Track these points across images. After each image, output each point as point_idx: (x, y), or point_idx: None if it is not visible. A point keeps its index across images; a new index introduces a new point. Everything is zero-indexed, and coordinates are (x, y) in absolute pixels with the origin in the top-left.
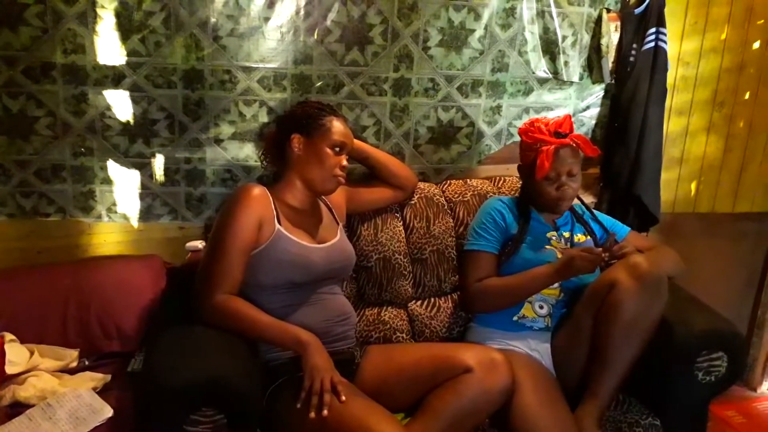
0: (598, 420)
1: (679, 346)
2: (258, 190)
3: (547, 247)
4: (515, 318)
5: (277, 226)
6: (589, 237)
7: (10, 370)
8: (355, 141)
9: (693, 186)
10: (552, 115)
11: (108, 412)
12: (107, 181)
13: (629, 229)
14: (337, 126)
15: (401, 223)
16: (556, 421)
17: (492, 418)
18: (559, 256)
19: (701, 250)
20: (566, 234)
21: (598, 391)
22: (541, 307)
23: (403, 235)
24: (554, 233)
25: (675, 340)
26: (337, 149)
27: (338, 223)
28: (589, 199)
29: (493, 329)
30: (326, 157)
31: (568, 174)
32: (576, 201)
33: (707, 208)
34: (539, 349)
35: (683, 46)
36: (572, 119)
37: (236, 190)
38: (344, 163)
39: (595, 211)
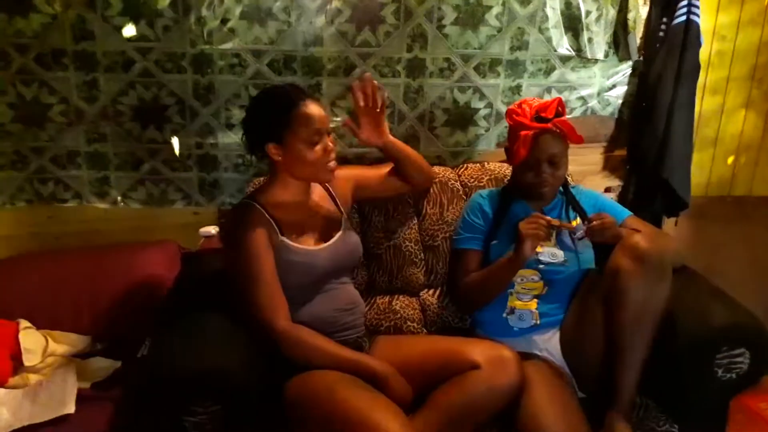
0: (627, 416)
1: (697, 342)
2: (252, 212)
3: None
4: (504, 315)
5: (280, 237)
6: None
7: (28, 361)
8: (389, 136)
9: (729, 167)
10: (575, 95)
11: (69, 409)
12: (121, 167)
13: (629, 213)
14: (302, 118)
15: (413, 209)
16: (566, 421)
17: (500, 416)
18: (541, 247)
19: (736, 237)
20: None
21: (621, 386)
22: (527, 297)
23: (415, 222)
24: None
25: (693, 334)
26: (315, 139)
27: (342, 213)
28: (615, 183)
29: (497, 337)
30: (306, 155)
31: (549, 161)
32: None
33: (744, 191)
34: (548, 347)
35: (719, 19)
36: (563, 102)
37: (232, 218)
38: (329, 146)
39: (593, 193)
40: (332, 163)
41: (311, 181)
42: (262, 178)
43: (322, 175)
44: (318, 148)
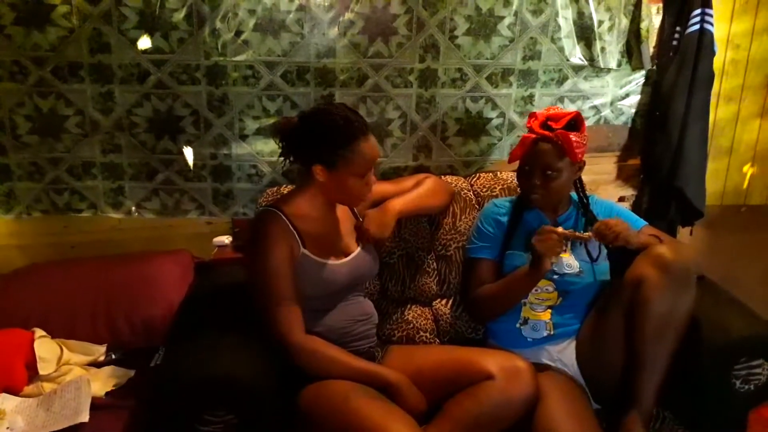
0: (645, 425)
1: (715, 353)
2: (277, 222)
3: None
4: (518, 325)
5: (302, 250)
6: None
7: (42, 369)
8: (396, 208)
9: (744, 176)
10: (588, 105)
11: (83, 418)
12: (136, 178)
13: (645, 223)
14: (361, 153)
15: (426, 218)
16: None
17: (515, 428)
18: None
19: (752, 246)
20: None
21: (640, 396)
22: (541, 307)
23: (428, 231)
24: None
25: (711, 345)
26: (364, 174)
27: None
28: (629, 192)
29: (510, 348)
30: (351, 186)
31: (542, 170)
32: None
33: (760, 200)
34: (561, 358)
35: (733, 28)
36: (582, 117)
37: (256, 225)
38: (372, 179)
39: (608, 203)
40: (367, 196)
41: (342, 204)
42: (275, 188)
43: (355, 203)
44: (363, 181)
